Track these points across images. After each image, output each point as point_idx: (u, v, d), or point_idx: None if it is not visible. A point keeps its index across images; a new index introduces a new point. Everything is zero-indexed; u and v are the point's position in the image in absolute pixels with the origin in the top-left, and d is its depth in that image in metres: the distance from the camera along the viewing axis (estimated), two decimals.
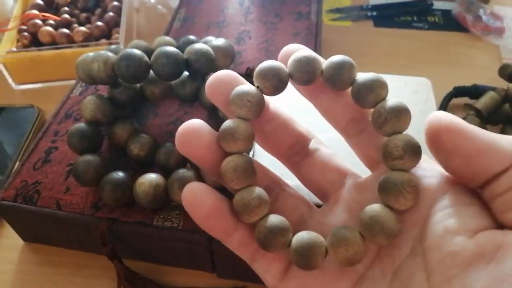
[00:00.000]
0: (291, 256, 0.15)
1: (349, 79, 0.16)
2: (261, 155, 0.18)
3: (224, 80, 0.16)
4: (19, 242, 0.29)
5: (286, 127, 0.18)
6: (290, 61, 0.16)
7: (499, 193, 0.13)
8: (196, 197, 0.15)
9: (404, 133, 0.15)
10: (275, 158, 0.19)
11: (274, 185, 0.18)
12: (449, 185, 0.15)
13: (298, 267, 0.15)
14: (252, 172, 0.16)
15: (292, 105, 0.18)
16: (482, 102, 0.34)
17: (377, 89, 0.15)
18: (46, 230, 0.27)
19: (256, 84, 0.16)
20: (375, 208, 0.15)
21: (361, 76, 0.16)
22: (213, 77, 0.16)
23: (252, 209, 0.15)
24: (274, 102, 0.18)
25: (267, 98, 0.17)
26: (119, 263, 0.25)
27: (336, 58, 0.16)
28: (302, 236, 0.15)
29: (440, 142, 0.14)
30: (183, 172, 0.24)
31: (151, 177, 0.24)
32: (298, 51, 0.16)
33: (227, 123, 0.16)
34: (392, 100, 0.15)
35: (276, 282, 0.16)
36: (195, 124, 0.16)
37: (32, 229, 0.28)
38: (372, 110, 0.16)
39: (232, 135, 0.15)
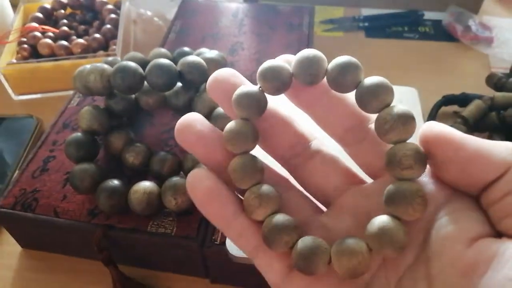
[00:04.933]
0: (293, 258, 0.15)
1: (354, 82, 0.15)
2: (266, 154, 0.18)
3: (225, 78, 0.16)
4: (17, 248, 0.30)
5: (286, 126, 0.17)
6: (294, 61, 0.16)
7: (494, 200, 0.13)
8: (195, 180, 0.16)
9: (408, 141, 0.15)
10: None
11: (278, 185, 0.17)
12: (450, 192, 0.15)
13: (297, 270, 0.15)
14: (257, 170, 0.16)
15: (292, 104, 0.18)
16: (468, 110, 0.35)
17: (382, 94, 0.15)
18: (43, 237, 0.28)
19: (258, 84, 0.16)
20: (383, 219, 0.14)
21: (367, 80, 0.15)
22: (215, 75, 0.16)
23: (253, 209, 0.15)
24: (274, 101, 0.17)
25: (269, 97, 0.16)
26: (115, 269, 0.26)
27: (342, 59, 0.15)
28: (307, 239, 0.15)
29: (433, 152, 0.14)
30: (176, 179, 0.25)
31: (145, 185, 0.25)
32: (303, 50, 0.16)
33: (231, 125, 0.16)
34: (398, 106, 0.15)
35: (279, 281, 0.16)
36: (191, 116, 0.16)
37: (30, 236, 0.29)
38: (373, 116, 0.16)
39: (238, 136, 0.15)
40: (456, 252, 0.13)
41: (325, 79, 0.16)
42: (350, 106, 0.16)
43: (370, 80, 0.15)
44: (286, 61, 0.17)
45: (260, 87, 0.16)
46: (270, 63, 0.16)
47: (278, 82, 0.16)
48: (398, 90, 0.30)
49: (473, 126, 0.34)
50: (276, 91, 0.16)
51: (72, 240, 0.27)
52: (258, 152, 0.17)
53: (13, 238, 0.29)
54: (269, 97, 0.17)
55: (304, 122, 0.18)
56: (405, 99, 0.29)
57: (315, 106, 0.17)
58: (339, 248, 0.15)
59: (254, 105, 0.16)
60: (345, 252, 0.14)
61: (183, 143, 0.16)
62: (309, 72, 0.15)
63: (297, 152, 0.17)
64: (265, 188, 0.16)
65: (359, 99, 0.15)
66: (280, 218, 0.15)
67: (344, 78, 0.15)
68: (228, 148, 0.16)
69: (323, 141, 0.18)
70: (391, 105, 0.15)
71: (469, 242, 0.13)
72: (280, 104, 0.18)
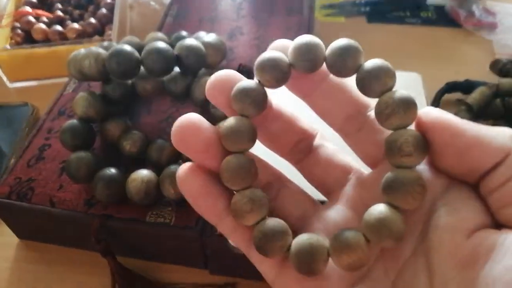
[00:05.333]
0: (292, 262, 0.15)
1: (354, 65, 0.15)
2: (262, 149, 0.17)
3: (224, 80, 0.16)
4: (14, 239, 0.29)
5: (290, 125, 0.17)
6: (290, 49, 0.15)
7: (492, 189, 0.13)
8: (186, 175, 0.15)
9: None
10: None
11: (275, 181, 0.17)
12: (448, 181, 0.14)
13: (299, 273, 0.14)
14: (250, 173, 0.15)
15: (294, 97, 0.17)
16: (472, 97, 0.34)
17: (384, 77, 0.14)
18: (40, 227, 0.27)
19: (256, 78, 0.15)
20: (380, 209, 0.14)
21: (368, 63, 0.15)
22: (213, 77, 0.16)
23: (244, 214, 0.15)
24: (276, 99, 0.17)
25: (269, 93, 0.16)
26: (113, 260, 0.26)
27: (340, 42, 0.15)
28: (302, 240, 0.14)
29: (429, 139, 0.14)
30: (174, 168, 0.24)
31: (143, 174, 0.24)
32: (299, 37, 0.15)
33: (229, 121, 0.15)
34: (400, 91, 0.14)
35: (274, 274, 0.16)
36: (192, 118, 0.15)
37: (27, 227, 0.28)
38: (372, 103, 0.15)
39: (235, 134, 0.15)
40: (456, 243, 0.13)
41: (324, 65, 0.15)
42: (349, 93, 0.16)
43: (371, 62, 0.15)
44: (282, 47, 0.16)
45: (259, 80, 0.15)
46: (267, 54, 0.15)
47: (277, 73, 0.15)
48: (401, 75, 0.30)
49: (478, 114, 0.34)
50: (276, 83, 0.15)
51: (69, 231, 0.27)
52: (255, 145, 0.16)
53: (9, 229, 0.29)
54: (270, 95, 0.16)
55: (306, 116, 0.17)
56: (409, 85, 0.29)
57: (315, 95, 0.16)
58: (337, 244, 0.14)
59: (253, 99, 0.15)
60: (344, 248, 0.14)
61: (187, 151, 0.15)
62: (308, 58, 0.15)
63: (301, 148, 0.17)
64: (258, 192, 0.15)
65: (360, 82, 0.15)
66: (270, 223, 0.15)
67: (344, 61, 0.15)
68: (224, 145, 0.15)
69: (323, 133, 0.18)
70: (393, 89, 0.14)
71: (469, 233, 0.13)
72: (282, 101, 0.17)
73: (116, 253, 0.26)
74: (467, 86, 0.37)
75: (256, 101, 0.15)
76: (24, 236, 0.29)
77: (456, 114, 0.34)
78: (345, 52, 0.14)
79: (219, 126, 0.15)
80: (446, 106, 0.38)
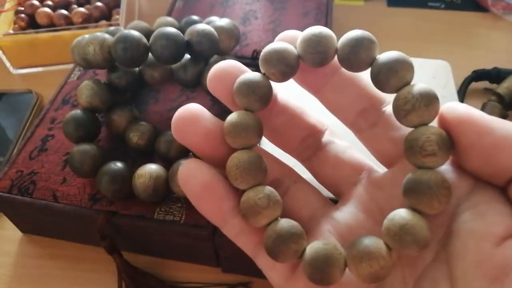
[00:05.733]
0: (304, 269, 0.13)
1: (368, 58, 0.14)
2: (270, 144, 0.16)
3: (227, 72, 0.15)
4: (18, 233, 0.28)
5: (297, 119, 0.16)
6: (299, 41, 0.14)
7: None
8: (190, 173, 0.14)
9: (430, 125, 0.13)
10: None
11: (284, 177, 0.16)
12: (473, 182, 0.13)
13: (312, 282, 0.13)
14: (260, 169, 0.14)
15: (302, 90, 0.16)
16: (504, 87, 0.31)
17: (401, 71, 0.13)
18: (43, 222, 0.26)
19: (262, 70, 0.14)
20: (403, 215, 0.13)
21: (383, 56, 0.14)
22: (215, 68, 0.15)
23: (260, 210, 0.13)
24: (282, 92, 0.16)
25: (275, 86, 0.15)
26: (119, 257, 0.24)
27: (353, 33, 0.14)
28: (318, 246, 0.13)
29: (454, 137, 0.13)
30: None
31: (151, 168, 0.22)
32: (308, 28, 0.14)
33: (233, 116, 0.14)
34: (419, 85, 0.13)
35: (283, 282, 0.15)
36: (192, 109, 0.14)
37: (30, 221, 0.27)
38: (387, 97, 0.14)
39: (239, 130, 0.14)
40: (484, 251, 0.12)
41: (335, 58, 0.14)
42: (362, 87, 0.15)
43: (386, 55, 0.13)
44: (291, 38, 0.15)
45: (264, 73, 0.14)
46: (273, 45, 0.14)
47: (284, 66, 0.14)
48: (429, 63, 0.27)
49: (509, 104, 0.31)
50: (283, 77, 0.14)
51: (74, 226, 0.25)
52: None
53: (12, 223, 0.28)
54: (276, 87, 0.15)
55: (313, 108, 0.16)
56: (438, 74, 0.27)
57: (325, 89, 0.15)
58: (356, 251, 0.13)
59: (257, 93, 0.14)
60: (364, 257, 0.13)
61: (186, 141, 0.14)
62: (317, 51, 0.14)
63: (309, 144, 0.16)
64: (267, 190, 0.14)
65: (375, 77, 0.14)
66: (284, 224, 0.13)
67: (357, 55, 0.13)
68: (228, 141, 0.14)
69: (334, 130, 0.17)
70: (411, 83, 0.13)
71: (499, 240, 0.12)
72: (288, 94, 0.16)
73: (122, 249, 0.25)
74: (495, 75, 0.35)
75: (261, 96, 0.14)
76: (27, 231, 0.28)
77: (485, 104, 0.32)
78: (359, 44, 0.13)
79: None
80: (473, 96, 0.36)
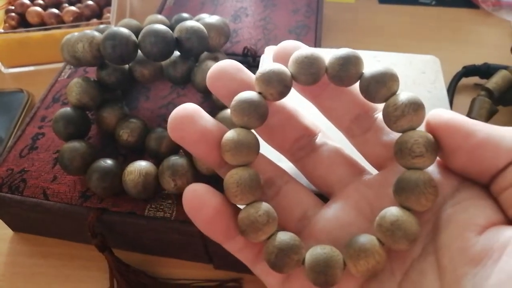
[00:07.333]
0: (307, 275, 0.14)
1: (357, 73, 0.15)
2: (263, 145, 0.16)
3: (226, 71, 0.15)
4: (9, 232, 0.28)
5: (291, 120, 0.17)
6: (291, 62, 0.15)
7: (504, 187, 0.13)
8: (200, 199, 0.14)
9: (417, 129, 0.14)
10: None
11: (276, 177, 0.17)
12: (459, 181, 0.14)
13: (317, 286, 0.14)
14: (258, 186, 0.14)
15: (297, 95, 0.17)
16: (493, 82, 0.32)
17: (389, 82, 0.14)
18: (34, 221, 0.26)
19: (258, 90, 0.15)
20: (394, 212, 0.14)
21: (369, 70, 0.15)
22: (215, 67, 0.15)
23: (260, 227, 0.14)
24: None
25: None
26: (110, 255, 0.24)
27: (340, 52, 0.15)
28: (316, 252, 0.14)
29: (441, 140, 0.14)
30: (175, 159, 0.22)
31: (141, 165, 0.22)
32: (298, 50, 0.15)
33: (232, 134, 0.14)
34: (405, 93, 0.14)
35: (280, 285, 0.15)
36: (189, 108, 0.15)
37: (21, 219, 0.27)
38: (379, 106, 0.15)
39: (240, 148, 0.14)
40: (467, 239, 0.13)
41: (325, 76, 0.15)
42: (356, 94, 0.16)
43: (372, 69, 0.15)
44: (282, 55, 0.16)
45: (260, 92, 0.15)
46: (270, 67, 0.15)
47: (283, 87, 0.15)
48: (418, 59, 0.28)
49: (499, 99, 0.32)
50: (279, 96, 0.15)
51: (65, 224, 0.25)
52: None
53: (2, 221, 0.27)
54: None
55: (309, 113, 0.17)
56: (427, 69, 0.27)
57: (321, 97, 0.16)
58: (353, 251, 0.14)
59: (258, 112, 0.14)
60: (361, 255, 0.14)
61: (182, 141, 0.15)
62: (311, 72, 0.15)
63: (302, 145, 0.17)
64: (265, 207, 0.14)
65: (365, 89, 0.15)
66: (284, 238, 0.14)
67: (347, 72, 0.15)
68: (226, 159, 0.15)
69: (327, 133, 0.17)
70: (397, 92, 0.15)
71: (480, 230, 0.13)
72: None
73: (114, 246, 0.25)
74: (485, 70, 0.35)
75: (261, 115, 0.15)
76: (18, 229, 0.28)
77: (474, 99, 0.32)
78: (347, 62, 0.15)
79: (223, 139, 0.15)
80: (463, 91, 0.36)
